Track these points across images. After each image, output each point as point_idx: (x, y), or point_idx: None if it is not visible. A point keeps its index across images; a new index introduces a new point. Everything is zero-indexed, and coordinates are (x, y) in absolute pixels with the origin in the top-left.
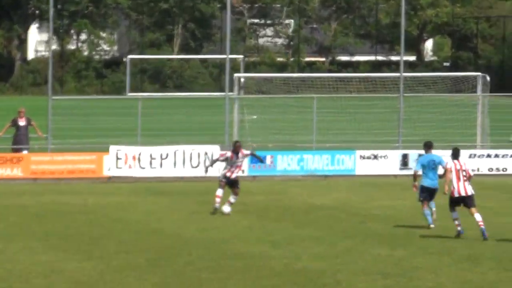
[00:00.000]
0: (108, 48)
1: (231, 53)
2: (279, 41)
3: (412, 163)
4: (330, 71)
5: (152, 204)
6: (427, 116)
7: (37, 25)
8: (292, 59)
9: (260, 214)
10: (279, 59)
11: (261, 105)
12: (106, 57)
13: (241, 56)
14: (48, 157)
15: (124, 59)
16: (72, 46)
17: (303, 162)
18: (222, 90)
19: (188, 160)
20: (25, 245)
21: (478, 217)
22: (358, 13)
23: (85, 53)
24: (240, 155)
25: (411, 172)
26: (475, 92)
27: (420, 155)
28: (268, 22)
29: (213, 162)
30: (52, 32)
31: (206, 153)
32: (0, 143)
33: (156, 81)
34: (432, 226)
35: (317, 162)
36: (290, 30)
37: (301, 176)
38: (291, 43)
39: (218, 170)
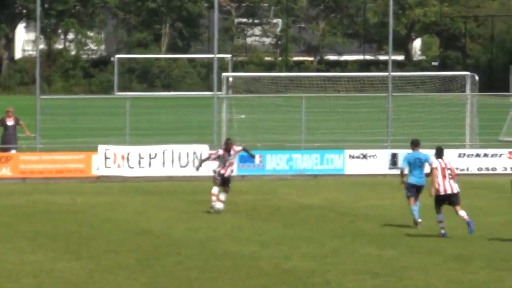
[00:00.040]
0: (95, 48)
1: (219, 53)
2: (267, 40)
3: (401, 163)
4: (318, 70)
5: (141, 204)
6: (416, 116)
7: (24, 24)
8: (280, 58)
9: (249, 213)
10: (267, 58)
11: (249, 105)
12: (94, 56)
13: (229, 56)
14: (37, 157)
15: (112, 59)
16: (59, 46)
17: (292, 162)
18: (210, 89)
19: (177, 160)
20: (14, 245)
21: (462, 213)
22: (346, 13)
23: (73, 53)
24: (232, 152)
25: (399, 171)
26: (464, 91)
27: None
28: (256, 21)
29: (205, 159)
30: (39, 31)
31: (194, 153)
32: None
33: (144, 81)
34: (419, 220)
35: (306, 162)
36: (278, 29)
37: (290, 175)
38: (279, 42)
39: (207, 169)
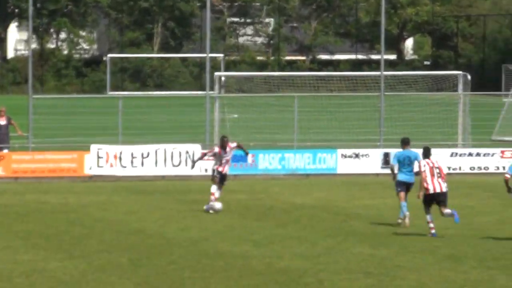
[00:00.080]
0: (87, 47)
1: (211, 52)
2: (259, 40)
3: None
4: (310, 69)
5: (133, 203)
6: (408, 115)
7: (16, 23)
8: (272, 58)
9: (241, 213)
10: (259, 58)
11: (242, 104)
12: (86, 56)
13: (221, 55)
14: (29, 156)
15: (104, 58)
16: (52, 45)
17: (285, 161)
18: (202, 88)
19: (170, 159)
20: (7, 244)
21: (446, 210)
22: (338, 12)
23: (65, 52)
24: (227, 149)
25: (389, 170)
26: (456, 90)
27: None
28: (248, 21)
29: (201, 157)
30: (31, 31)
31: (187, 152)
32: None
33: (136, 80)
34: (407, 213)
35: (299, 161)
36: (270, 29)
37: (283, 175)
38: (271, 42)
39: (200, 168)
